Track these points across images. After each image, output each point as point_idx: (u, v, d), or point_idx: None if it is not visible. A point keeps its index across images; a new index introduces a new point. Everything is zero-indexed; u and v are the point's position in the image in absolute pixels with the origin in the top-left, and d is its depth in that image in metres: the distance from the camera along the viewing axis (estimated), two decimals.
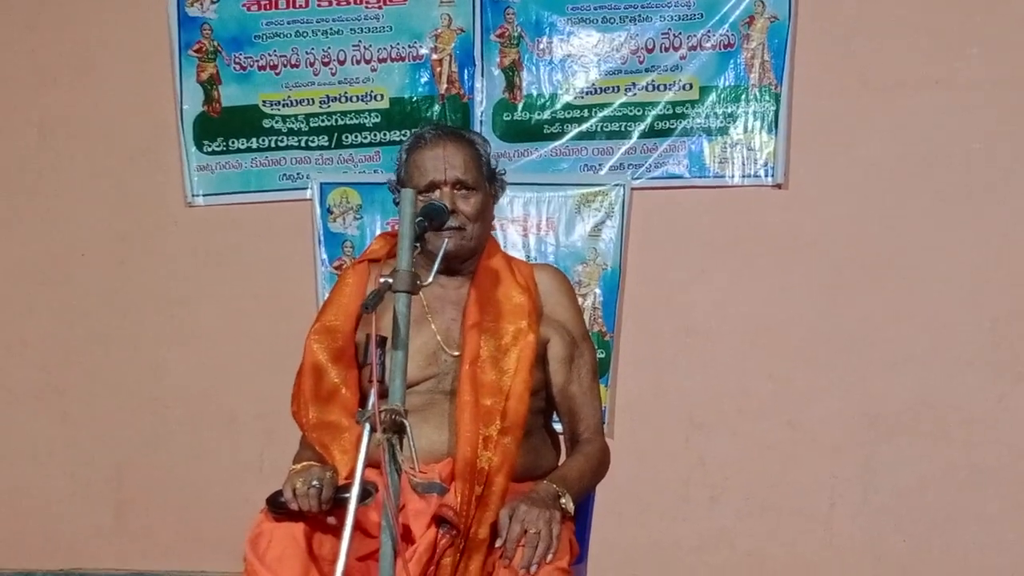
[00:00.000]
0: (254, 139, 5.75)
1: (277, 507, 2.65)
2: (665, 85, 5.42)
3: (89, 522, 5.88)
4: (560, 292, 3.00)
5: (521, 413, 2.77)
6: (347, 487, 2.59)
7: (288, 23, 5.72)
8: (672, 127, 5.41)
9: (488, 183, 3.01)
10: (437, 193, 2.89)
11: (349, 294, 2.96)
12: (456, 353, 2.85)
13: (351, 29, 5.69)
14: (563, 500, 2.71)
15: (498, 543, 2.61)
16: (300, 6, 5.72)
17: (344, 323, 2.91)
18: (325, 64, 5.70)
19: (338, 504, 2.62)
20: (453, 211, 2.87)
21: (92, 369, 5.91)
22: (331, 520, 2.65)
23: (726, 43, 5.37)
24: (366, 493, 2.38)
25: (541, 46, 5.54)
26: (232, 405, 5.71)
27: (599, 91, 5.49)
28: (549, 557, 2.58)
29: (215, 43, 5.78)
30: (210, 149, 5.78)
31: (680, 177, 5.43)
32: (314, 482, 2.63)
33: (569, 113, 5.51)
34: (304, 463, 2.75)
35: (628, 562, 5.30)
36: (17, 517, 5.94)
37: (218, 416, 5.74)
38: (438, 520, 2.64)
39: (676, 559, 5.38)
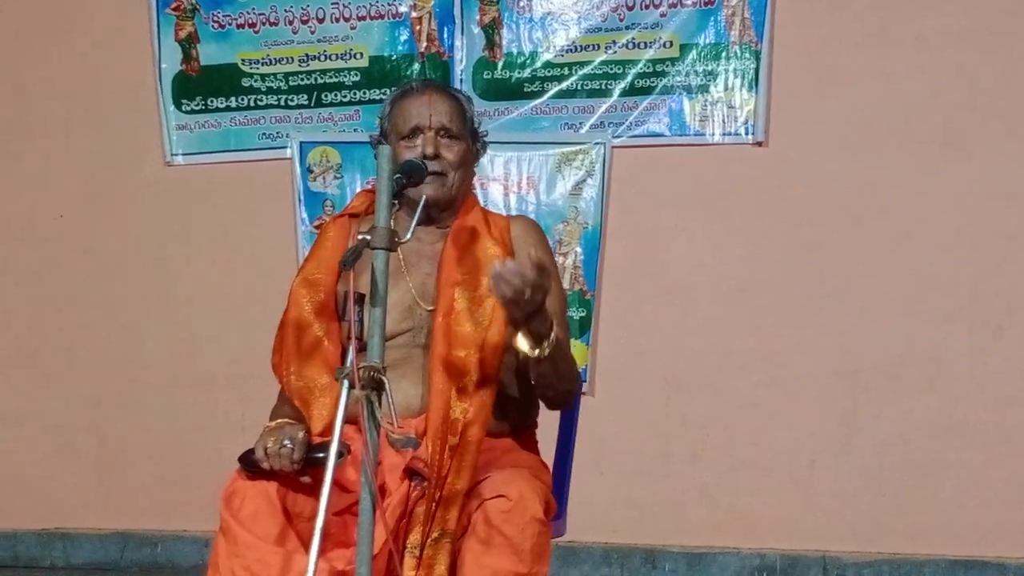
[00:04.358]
0: (233, 98, 5.72)
1: (250, 465, 2.65)
2: (645, 43, 5.40)
3: (70, 483, 5.88)
4: (529, 235, 2.99)
5: (495, 365, 2.76)
6: (319, 447, 2.59)
7: None
8: (652, 85, 5.39)
9: (471, 138, 3.00)
10: (420, 139, 2.88)
11: (331, 248, 2.95)
12: (431, 307, 2.84)
13: None
14: (555, 331, 2.68)
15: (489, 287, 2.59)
16: None
17: (326, 276, 2.91)
18: (304, 22, 5.66)
19: (310, 464, 2.61)
20: (436, 156, 2.87)
21: (71, 330, 5.89)
22: (305, 479, 2.64)
23: (706, 0, 5.35)
24: (339, 452, 2.37)
25: (521, 3, 5.51)
26: (211, 365, 5.70)
27: (579, 49, 5.46)
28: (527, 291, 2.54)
29: (193, 1, 5.74)
30: (189, 108, 5.75)
31: (661, 135, 5.42)
32: (286, 442, 2.62)
33: (549, 71, 5.49)
34: (278, 421, 2.74)
35: (608, 520, 5.32)
36: (3, 479, 5.93)
37: (197, 376, 5.74)
38: (410, 473, 2.64)
39: (656, 516, 5.40)
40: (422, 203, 2.73)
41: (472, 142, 3.01)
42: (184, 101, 5.75)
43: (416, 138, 2.90)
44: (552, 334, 2.68)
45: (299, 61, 5.67)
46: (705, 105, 5.36)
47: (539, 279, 2.53)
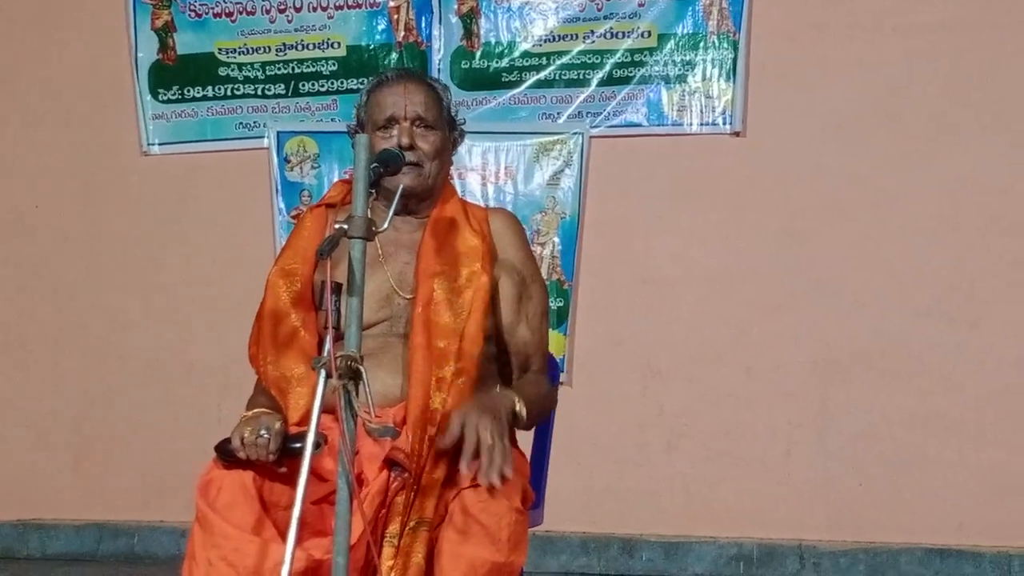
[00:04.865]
0: (210, 87, 5.71)
1: (226, 455, 2.63)
2: (623, 32, 5.40)
3: (48, 473, 5.86)
4: (510, 232, 2.98)
5: (475, 355, 2.75)
6: (296, 437, 2.58)
7: None
8: (630, 75, 5.40)
9: (448, 128, 2.99)
10: (396, 129, 2.87)
11: (307, 237, 2.94)
12: (409, 296, 2.84)
13: None
14: (518, 407, 2.70)
15: (444, 443, 2.59)
16: None
17: (302, 266, 2.90)
18: (281, 11, 5.65)
19: (287, 454, 2.60)
20: (411, 147, 2.86)
21: (49, 320, 5.88)
22: (282, 469, 2.64)
23: None
24: (316, 443, 2.37)
25: None
26: (190, 355, 5.70)
27: (557, 39, 5.47)
28: (507, 471, 2.56)
29: None
30: (165, 98, 5.73)
31: (638, 125, 5.42)
32: (262, 432, 2.61)
33: (527, 61, 5.49)
34: (255, 411, 2.73)
35: (585, 508, 5.32)
36: None
37: (176, 366, 5.73)
38: (389, 463, 2.64)
39: (632, 506, 5.41)
40: (399, 193, 2.72)
41: (449, 131, 3.00)
42: (161, 90, 5.74)
43: (392, 128, 2.89)
44: (518, 407, 2.70)
45: (276, 50, 5.66)
46: (683, 95, 5.37)
47: (476, 428, 2.55)
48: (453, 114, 3.03)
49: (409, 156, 2.85)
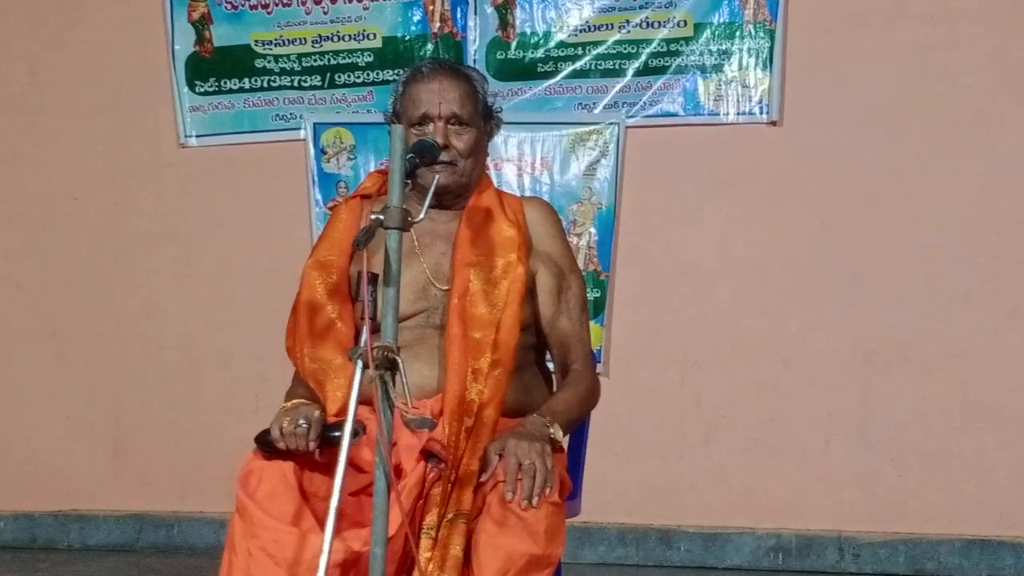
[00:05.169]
0: (247, 79, 5.72)
1: (266, 445, 2.64)
2: (659, 22, 5.39)
3: (87, 465, 5.90)
4: (548, 223, 2.97)
5: (511, 346, 2.75)
6: (335, 426, 2.58)
7: None
8: (666, 64, 5.38)
9: (483, 120, 2.97)
10: (431, 127, 2.86)
11: (343, 229, 2.93)
12: (445, 287, 2.83)
13: None
14: (551, 430, 2.70)
15: (484, 476, 2.61)
16: None
17: (338, 258, 2.90)
18: (317, 3, 5.66)
19: (327, 443, 2.61)
20: (445, 146, 2.85)
21: (88, 312, 5.91)
22: (321, 459, 2.64)
23: None
24: (355, 432, 2.37)
25: None
26: (227, 346, 5.72)
27: (593, 28, 5.45)
28: (548, 490, 2.57)
29: None
30: (202, 90, 5.75)
31: (675, 115, 5.41)
32: (301, 421, 2.61)
33: (563, 51, 5.48)
34: (293, 401, 2.74)
35: (622, 500, 5.32)
36: (15, 460, 5.96)
37: (214, 357, 5.75)
38: (426, 454, 2.64)
39: (670, 497, 5.40)
40: (432, 187, 2.71)
41: (485, 123, 2.99)
42: (198, 83, 5.75)
43: (426, 126, 2.86)
44: (552, 429, 2.71)
45: (312, 42, 5.67)
46: (719, 84, 5.35)
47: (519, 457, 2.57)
48: (490, 103, 3.01)
49: (443, 156, 2.84)
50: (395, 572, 2.55)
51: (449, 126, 2.88)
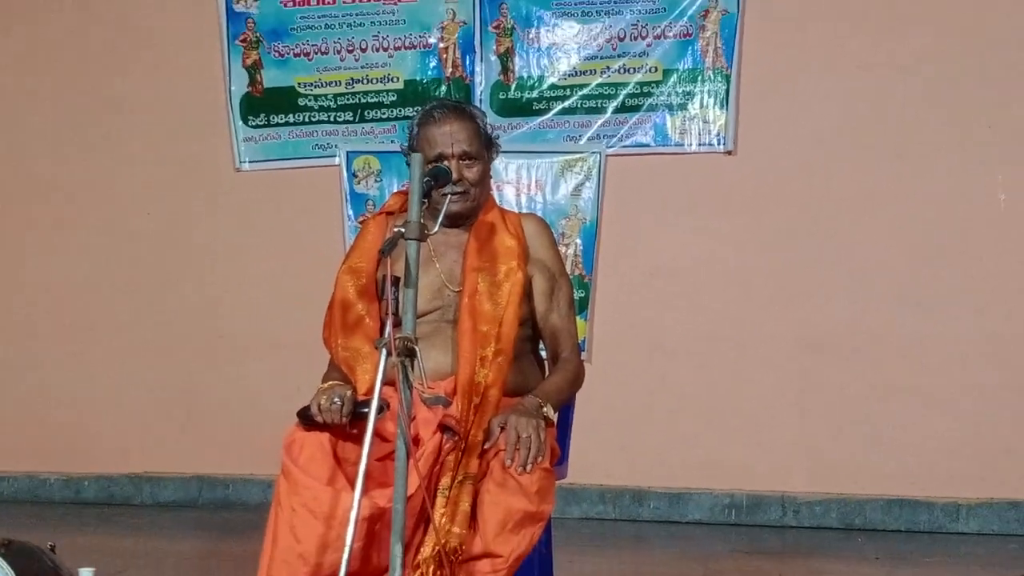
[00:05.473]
0: (291, 115, 5.72)
1: (306, 419, 2.65)
2: (634, 68, 5.38)
3: (158, 434, 5.90)
4: (542, 236, 2.98)
5: (511, 337, 2.76)
6: (364, 403, 2.60)
7: (319, 17, 5.68)
8: (640, 103, 5.38)
9: (487, 149, 2.97)
10: (445, 164, 2.85)
11: (371, 240, 2.94)
12: (457, 289, 2.84)
13: (371, 22, 5.64)
14: (545, 409, 2.71)
15: (487, 444, 2.62)
16: (329, 3, 5.67)
17: (367, 264, 2.90)
18: (350, 52, 5.66)
19: (357, 417, 2.62)
20: (459, 180, 2.84)
21: (159, 307, 5.91)
22: (352, 431, 2.65)
23: (685, 33, 5.32)
24: (380, 408, 2.38)
25: (530, 36, 5.49)
26: (275, 336, 5.71)
27: (579, 73, 5.45)
28: (541, 458, 2.58)
29: (258, 34, 5.73)
30: (254, 123, 5.75)
31: (647, 146, 5.40)
32: (336, 399, 2.63)
33: (554, 92, 5.48)
34: (329, 383, 2.75)
35: (602, 465, 5.32)
36: (97, 431, 5.96)
37: (264, 345, 5.75)
38: (443, 427, 2.64)
39: (642, 463, 5.40)
40: (443, 211, 2.72)
41: (488, 151, 2.98)
42: (250, 117, 5.75)
43: (441, 163, 2.85)
44: (545, 408, 2.72)
45: (346, 84, 5.67)
46: (684, 120, 5.35)
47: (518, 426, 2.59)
48: (490, 133, 3.00)
49: (458, 187, 2.83)
50: (414, 525, 2.56)
51: (461, 162, 2.87)
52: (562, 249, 5.28)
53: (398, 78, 5.64)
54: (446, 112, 2.92)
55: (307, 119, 5.71)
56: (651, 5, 5.34)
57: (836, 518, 5.16)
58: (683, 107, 5.34)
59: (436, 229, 2.57)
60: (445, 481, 2.59)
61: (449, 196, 2.78)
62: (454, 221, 2.87)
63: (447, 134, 2.87)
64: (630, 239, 5.44)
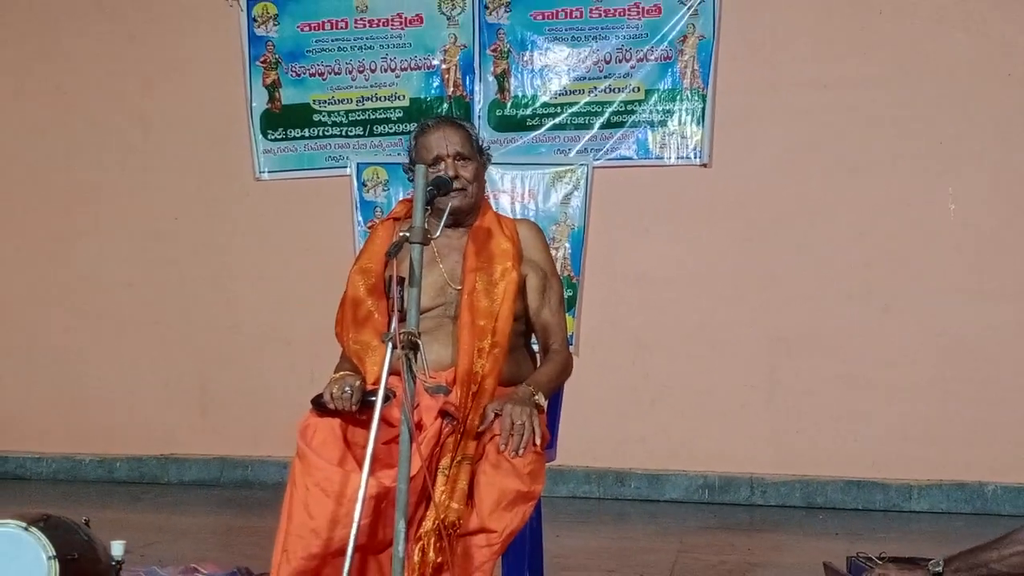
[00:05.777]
0: (306, 129, 5.72)
1: (319, 406, 2.65)
2: (619, 88, 5.39)
3: (182, 419, 5.90)
4: (535, 239, 2.98)
5: (506, 332, 2.76)
6: (372, 392, 2.59)
7: (332, 40, 5.68)
8: (624, 120, 5.39)
9: (479, 155, 2.97)
10: (442, 165, 2.85)
11: (379, 243, 2.94)
12: (458, 287, 2.84)
13: (380, 45, 5.64)
14: (536, 397, 2.71)
15: (482, 427, 2.62)
16: (341, 28, 5.67)
17: (376, 265, 2.90)
18: (360, 72, 5.65)
19: (366, 405, 2.61)
20: (456, 176, 2.85)
21: (182, 304, 5.91)
22: (361, 417, 2.65)
23: (665, 56, 5.33)
24: (386, 396, 2.38)
25: (525, 58, 5.49)
26: (291, 331, 5.71)
27: (569, 92, 5.45)
28: (533, 444, 2.58)
29: (277, 56, 5.73)
30: (273, 137, 5.75)
31: (630, 159, 5.41)
32: (346, 388, 2.63)
33: (546, 110, 5.48)
34: (340, 373, 2.74)
35: (589, 449, 5.33)
36: (128, 416, 5.95)
37: (279, 339, 5.75)
38: (443, 414, 2.64)
39: (624, 447, 5.40)
40: (447, 211, 2.72)
41: (480, 157, 2.98)
42: (269, 131, 5.75)
43: (439, 164, 2.86)
44: (537, 396, 2.69)
45: (356, 102, 5.67)
46: (664, 136, 5.35)
47: (513, 414, 2.57)
48: (481, 143, 3.00)
49: (456, 184, 2.84)
50: (416, 502, 2.55)
51: (457, 161, 2.88)
52: (553, 252, 5.26)
53: (404, 96, 5.63)
54: (439, 121, 2.96)
55: (321, 133, 5.71)
56: (635, 31, 5.35)
57: (800, 498, 5.17)
58: (663, 123, 5.35)
59: (438, 233, 2.57)
60: (445, 462, 2.59)
61: (450, 195, 2.79)
62: (455, 219, 2.87)
63: (441, 137, 2.88)
64: (614, 243, 5.44)
